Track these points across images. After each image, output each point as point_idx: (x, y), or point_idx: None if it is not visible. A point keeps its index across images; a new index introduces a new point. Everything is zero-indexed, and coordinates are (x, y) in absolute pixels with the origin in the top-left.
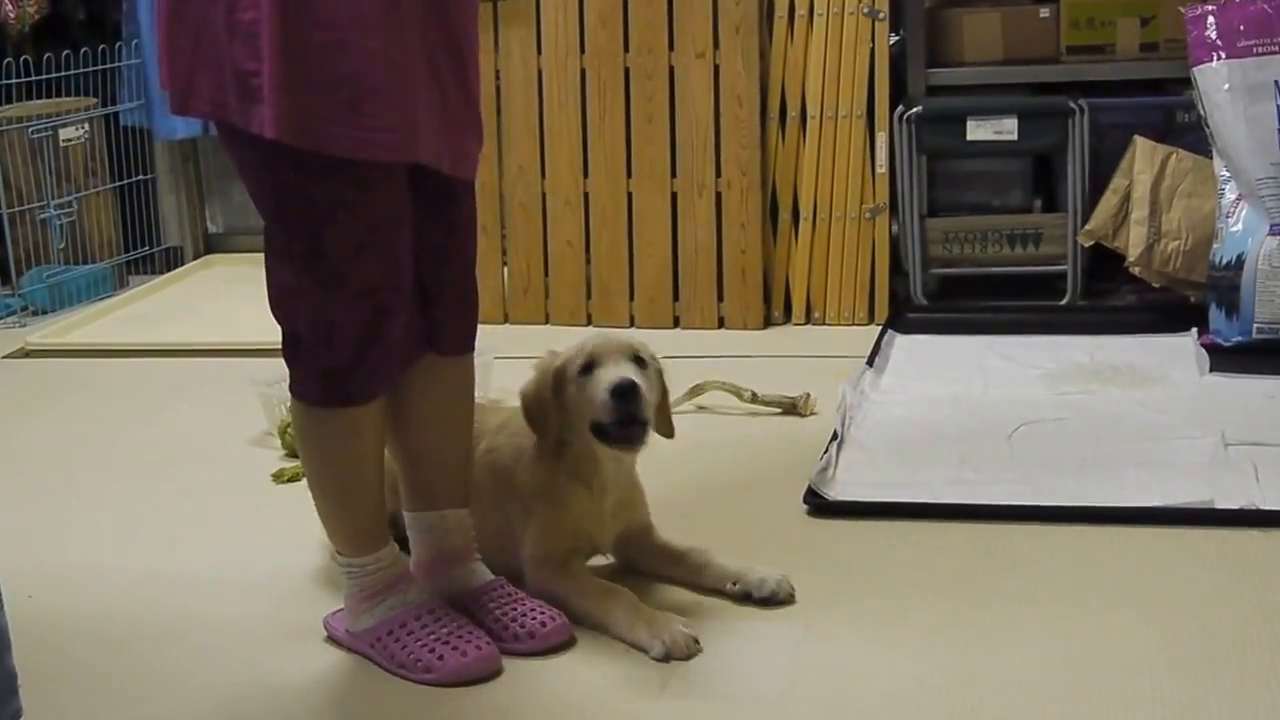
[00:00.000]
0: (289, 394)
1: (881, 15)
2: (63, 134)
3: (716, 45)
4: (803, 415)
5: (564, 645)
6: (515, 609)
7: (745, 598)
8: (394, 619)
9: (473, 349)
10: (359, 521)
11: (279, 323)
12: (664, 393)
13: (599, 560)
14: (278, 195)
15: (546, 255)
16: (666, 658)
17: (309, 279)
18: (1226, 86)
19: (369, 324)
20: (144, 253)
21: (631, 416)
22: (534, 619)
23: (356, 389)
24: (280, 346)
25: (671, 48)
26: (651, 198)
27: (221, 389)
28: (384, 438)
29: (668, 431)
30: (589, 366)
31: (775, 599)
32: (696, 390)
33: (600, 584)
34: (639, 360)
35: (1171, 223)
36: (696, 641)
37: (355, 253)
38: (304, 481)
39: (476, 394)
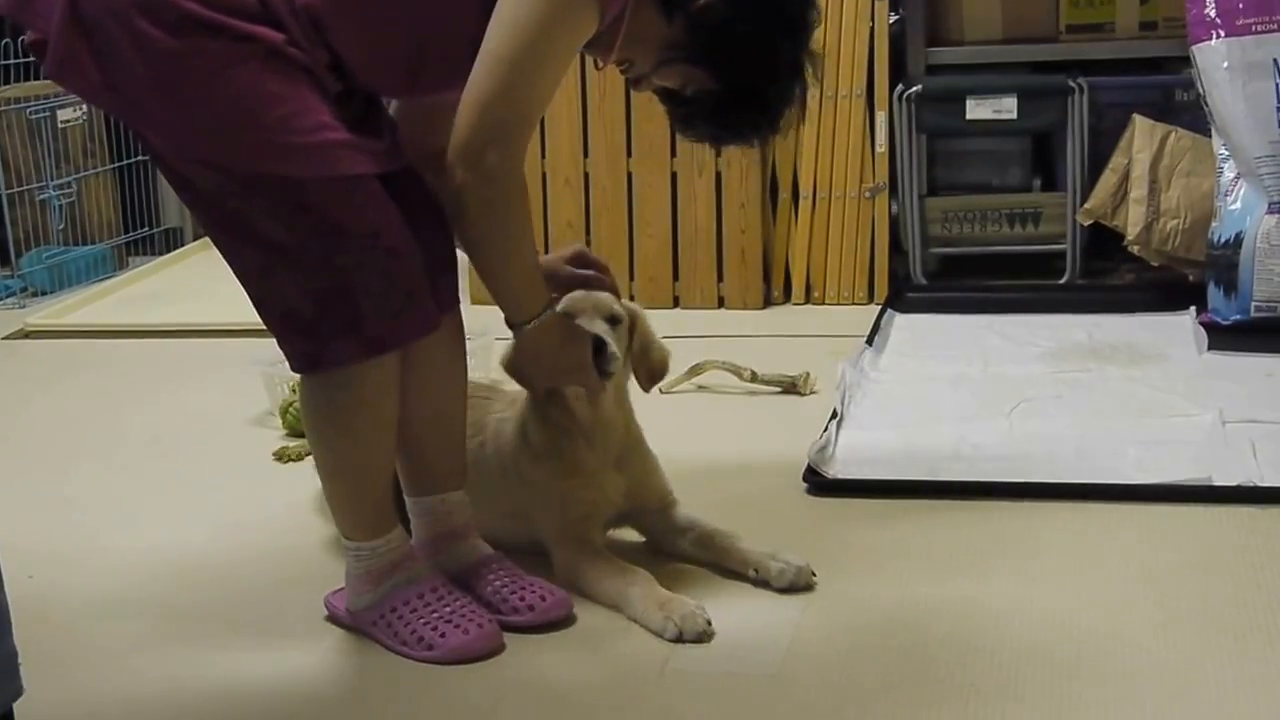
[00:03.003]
0: (309, 372)
1: None
2: (61, 115)
3: None
4: (802, 394)
5: (563, 619)
6: (515, 583)
7: (764, 584)
8: (397, 596)
9: (458, 303)
10: (372, 505)
11: (281, 299)
12: (644, 345)
13: (628, 535)
14: (251, 158)
15: (547, 236)
16: (679, 639)
17: (304, 233)
18: (1225, 65)
19: (383, 268)
20: (144, 234)
21: (600, 371)
22: (533, 593)
23: (385, 333)
24: (290, 328)
25: None
26: (651, 177)
27: (222, 369)
28: (396, 418)
29: (644, 384)
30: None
31: (794, 589)
32: (696, 370)
33: (621, 565)
34: (613, 319)
35: (1170, 201)
36: (709, 624)
37: (349, 197)
38: (305, 461)
39: (479, 375)
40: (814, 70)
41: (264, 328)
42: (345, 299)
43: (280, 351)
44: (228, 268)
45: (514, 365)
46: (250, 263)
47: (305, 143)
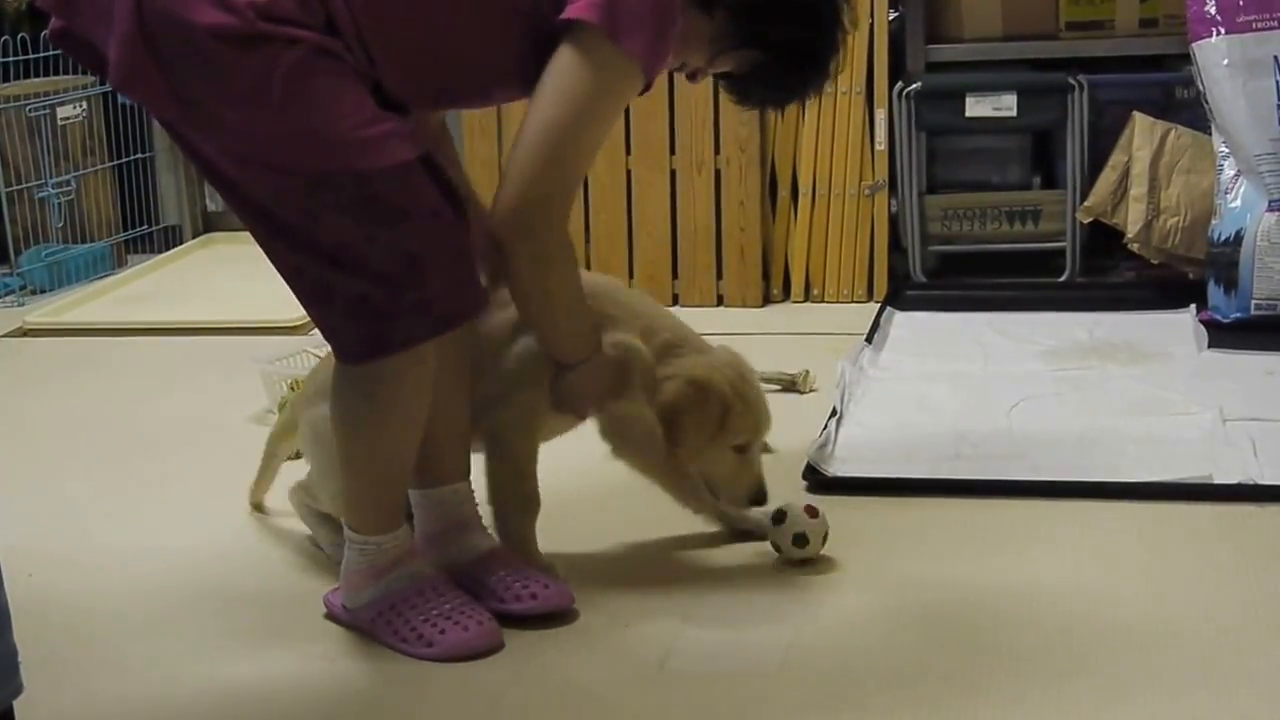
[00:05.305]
0: (371, 358)
1: None
2: (60, 112)
3: None
4: (802, 392)
5: (563, 610)
6: (519, 573)
7: None
8: (397, 593)
9: None
10: (392, 499)
11: (349, 287)
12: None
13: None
14: (319, 154)
15: None
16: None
17: (372, 222)
18: (1226, 62)
19: (448, 243)
20: (143, 231)
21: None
22: (537, 583)
23: (455, 309)
24: (356, 315)
25: None
26: (650, 175)
27: (221, 367)
28: (426, 415)
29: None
30: (742, 449)
31: None
32: None
33: (526, 491)
34: None
35: (1170, 199)
36: None
37: (409, 181)
38: (305, 459)
39: None
40: (850, 9)
41: (263, 326)
42: (416, 279)
43: (280, 350)
44: (227, 267)
45: (558, 399)
46: (314, 258)
47: (370, 136)
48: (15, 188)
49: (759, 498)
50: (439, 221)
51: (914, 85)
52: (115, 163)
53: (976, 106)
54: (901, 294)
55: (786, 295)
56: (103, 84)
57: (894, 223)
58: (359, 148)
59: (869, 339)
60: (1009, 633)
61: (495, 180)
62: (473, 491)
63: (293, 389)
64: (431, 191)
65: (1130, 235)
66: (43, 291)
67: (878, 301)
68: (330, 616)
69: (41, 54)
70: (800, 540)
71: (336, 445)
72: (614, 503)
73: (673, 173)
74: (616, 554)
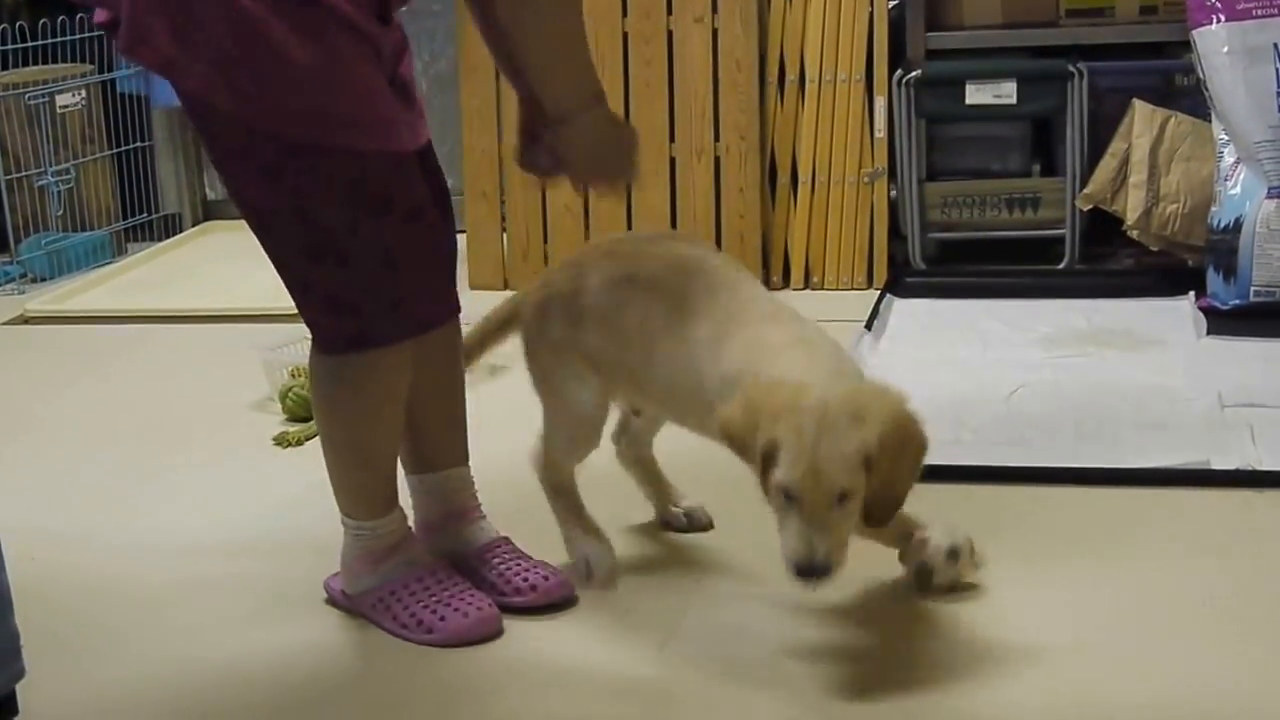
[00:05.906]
0: (350, 352)
1: None
2: (59, 100)
3: (715, 9)
4: None
5: (564, 600)
6: (518, 564)
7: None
8: (396, 580)
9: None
10: (379, 483)
11: (330, 280)
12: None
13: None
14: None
15: (545, 221)
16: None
17: (358, 209)
18: (1226, 49)
19: (428, 244)
20: (142, 219)
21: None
22: (536, 573)
23: (425, 313)
24: (335, 308)
25: (670, 12)
26: (650, 162)
27: (221, 354)
28: (405, 396)
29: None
30: (789, 496)
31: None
32: None
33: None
34: (843, 496)
35: (1170, 186)
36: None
37: (400, 171)
38: (305, 446)
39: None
40: None
41: (263, 313)
42: (389, 276)
43: (280, 337)
44: (227, 254)
45: (567, 158)
46: (301, 244)
47: (374, 118)
48: (15, 176)
49: (797, 567)
50: (420, 222)
51: (914, 73)
52: (115, 151)
53: (976, 94)
54: (901, 281)
55: (786, 282)
56: (102, 72)
57: (894, 210)
58: (362, 127)
59: (868, 326)
60: (1005, 616)
61: (494, 172)
62: (472, 479)
63: (294, 376)
64: (420, 190)
65: (1130, 222)
66: (43, 280)
67: (877, 288)
68: (331, 602)
69: (40, 42)
70: (953, 553)
71: (319, 431)
72: (615, 485)
73: (672, 160)
74: (619, 536)
